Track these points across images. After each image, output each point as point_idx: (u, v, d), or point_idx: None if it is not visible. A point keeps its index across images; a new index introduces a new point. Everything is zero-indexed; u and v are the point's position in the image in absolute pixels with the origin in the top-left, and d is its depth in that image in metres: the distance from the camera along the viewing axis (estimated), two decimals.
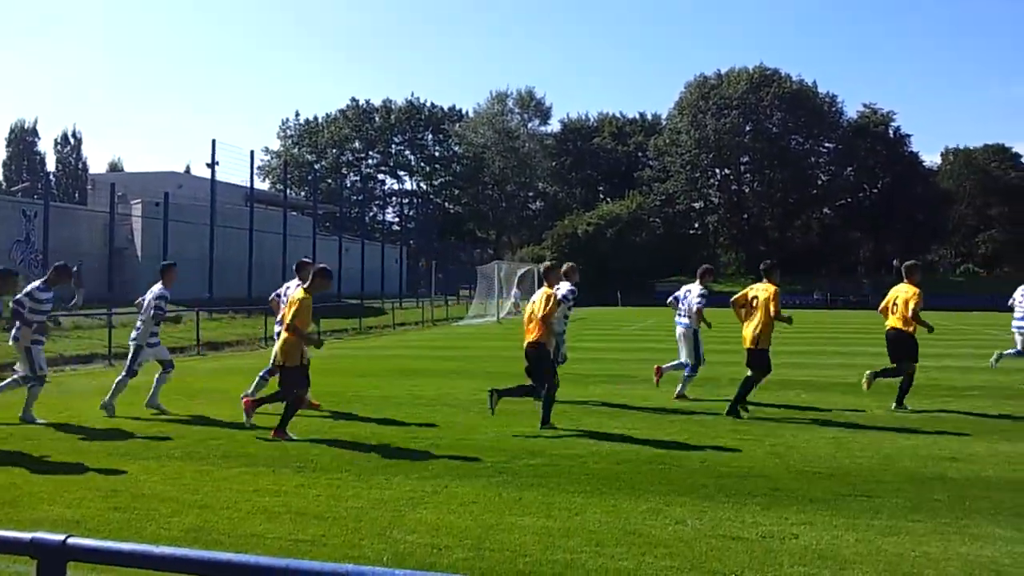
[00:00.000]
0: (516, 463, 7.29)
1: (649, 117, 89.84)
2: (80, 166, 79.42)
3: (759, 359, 10.04)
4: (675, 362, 11.89)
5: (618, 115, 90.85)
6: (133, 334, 10.34)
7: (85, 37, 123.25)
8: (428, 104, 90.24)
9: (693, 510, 5.83)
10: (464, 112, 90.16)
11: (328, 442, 8.29)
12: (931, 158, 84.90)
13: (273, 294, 11.07)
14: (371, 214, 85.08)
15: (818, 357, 18.09)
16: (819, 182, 79.53)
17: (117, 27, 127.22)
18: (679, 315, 11.76)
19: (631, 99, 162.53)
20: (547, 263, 10.32)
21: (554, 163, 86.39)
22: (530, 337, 9.06)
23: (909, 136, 79.42)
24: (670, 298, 12.15)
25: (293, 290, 9.59)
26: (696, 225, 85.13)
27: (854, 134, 77.58)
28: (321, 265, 9.23)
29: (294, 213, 40.64)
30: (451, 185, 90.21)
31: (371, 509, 5.82)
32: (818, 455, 7.71)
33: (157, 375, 10.29)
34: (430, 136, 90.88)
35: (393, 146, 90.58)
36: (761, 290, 10.10)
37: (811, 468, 7.15)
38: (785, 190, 77.44)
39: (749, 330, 10.06)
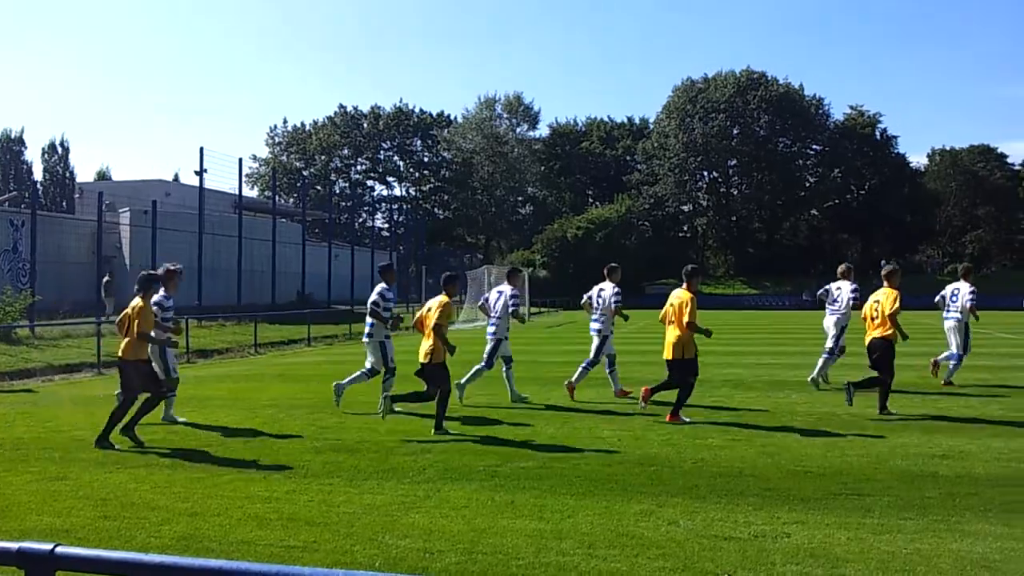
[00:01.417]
0: (508, 466, 7.28)
1: (637, 121, 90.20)
2: (67, 175, 78.81)
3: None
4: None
5: (606, 119, 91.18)
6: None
7: (72, 45, 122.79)
8: (417, 110, 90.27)
9: (685, 511, 5.83)
10: (453, 118, 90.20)
11: (319, 447, 8.26)
12: (918, 159, 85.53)
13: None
14: (360, 220, 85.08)
15: (810, 358, 18.08)
16: (807, 184, 79.91)
17: (104, 34, 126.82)
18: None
19: (619, 104, 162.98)
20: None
21: (543, 168, 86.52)
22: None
23: (896, 138, 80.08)
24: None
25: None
26: (685, 228, 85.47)
27: (841, 136, 78.05)
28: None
29: (283, 220, 40.58)
30: (440, 191, 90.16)
31: (363, 514, 5.80)
32: (809, 455, 7.72)
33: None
34: (419, 142, 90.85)
35: (382, 152, 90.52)
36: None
37: (802, 467, 7.16)
38: (773, 192, 77.76)
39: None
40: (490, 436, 8.76)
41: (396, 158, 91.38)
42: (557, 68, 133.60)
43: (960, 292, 13.22)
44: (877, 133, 79.11)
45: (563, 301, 60.74)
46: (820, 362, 12.66)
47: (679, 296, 9.72)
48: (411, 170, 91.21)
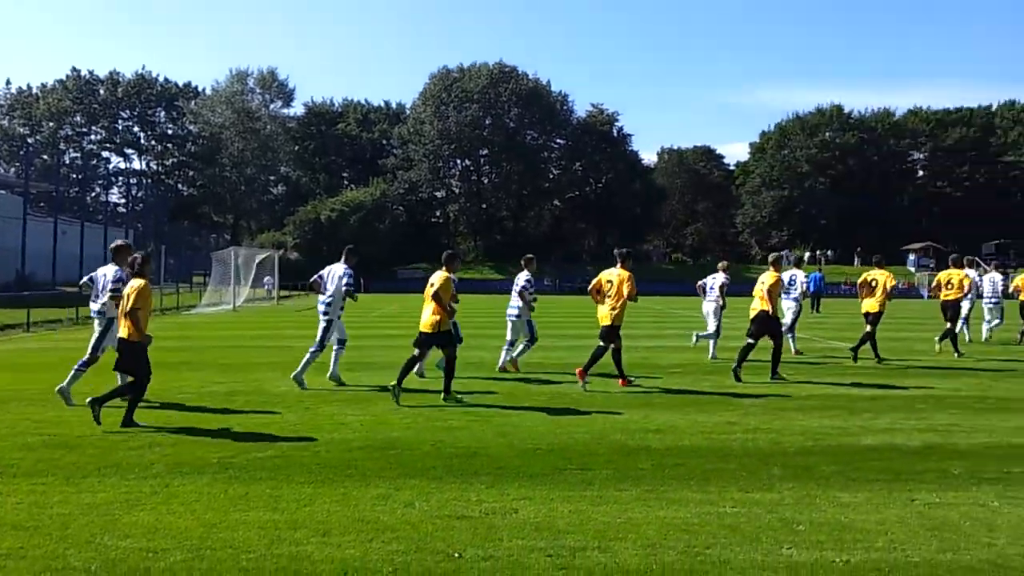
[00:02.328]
0: (243, 457, 7.06)
1: (394, 106, 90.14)
2: None
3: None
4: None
5: (364, 102, 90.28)
6: None
7: None
8: (161, 79, 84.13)
9: (421, 492, 5.99)
10: (201, 89, 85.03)
11: (33, 443, 7.53)
12: (649, 156, 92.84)
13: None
14: (93, 194, 78.16)
15: (549, 339, 19.09)
16: (551, 176, 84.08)
17: None
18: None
19: (377, 87, 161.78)
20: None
21: (297, 147, 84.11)
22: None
23: (630, 136, 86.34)
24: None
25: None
26: (438, 214, 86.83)
27: (583, 132, 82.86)
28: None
29: (2, 192, 36.23)
30: (185, 166, 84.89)
31: (80, 515, 5.39)
32: (540, 433, 8.20)
33: None
34: (163, 113, 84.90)
35: (120, 122, 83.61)
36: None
37: (533, 445, 7.60)
38: (520, 182, 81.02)
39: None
40: (226, 427, 8.43)
41: (137, 129, 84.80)
42: (313, 47, 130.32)
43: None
44: (614, 131, 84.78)
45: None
46: (711, 345, 15.35)
47: (617, 274, 11.31)
48: (153, 143, 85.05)
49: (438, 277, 10.39)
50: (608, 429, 8.43)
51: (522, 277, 13.16)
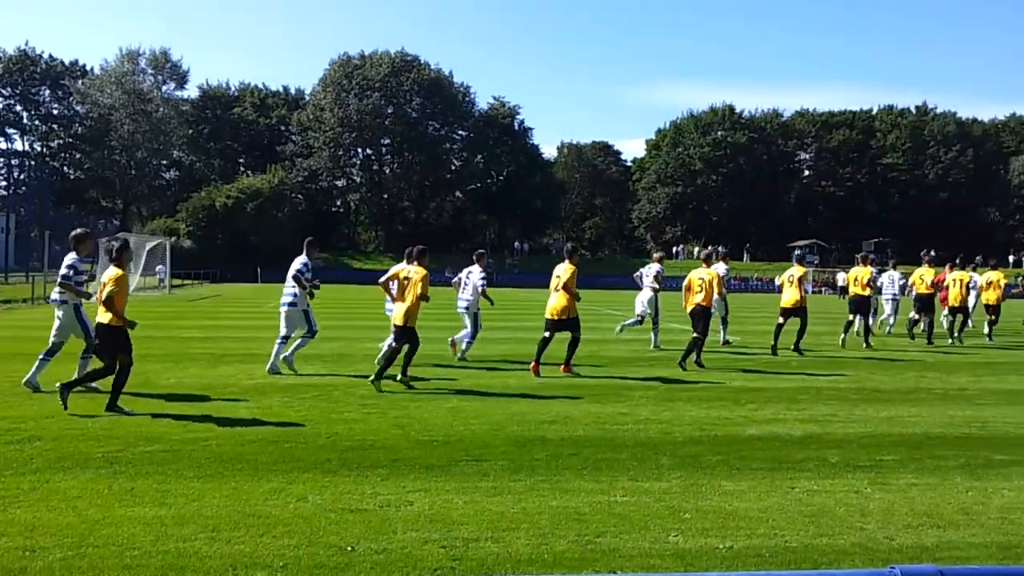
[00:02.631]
0: (131, 451, 6.84)
1: (293, 91, 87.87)
2: None
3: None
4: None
5: (261, 86, 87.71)
6: None
7: None
8: (46, 56, 79.66)
9: (315, 486, 5.93)
10: (89, 68, 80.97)
11: None
12: (549, 151, 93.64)
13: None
14: None
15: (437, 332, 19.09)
16: (453, 167, 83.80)
17: None
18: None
19: (274, 72, 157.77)
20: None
21: (191, 131, 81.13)
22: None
23: (531, 129, 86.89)
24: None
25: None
26: (339, 203, 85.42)
27: (484, 124, 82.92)
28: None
29: None
30: (72, 148, 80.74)
31: None
32: (437, 424, 8.23)
33: None
34: (47, 92, 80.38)
35: (0, 100, 78.71)
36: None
37: (430, 437, 7.63)
38: (422, 173, 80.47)
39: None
40: (114, 421, 8.13)
41: (18, 107, 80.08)
42: (208, 27, 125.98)
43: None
44: (515, 124, 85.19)
45: (211, 273, 57.67)
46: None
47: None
48: (37, 123, 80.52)
49: (416, 274, 10.78)
50: (505, 420, 8.53)
51: (476, 271, 13.86)
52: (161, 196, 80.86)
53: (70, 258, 10.01)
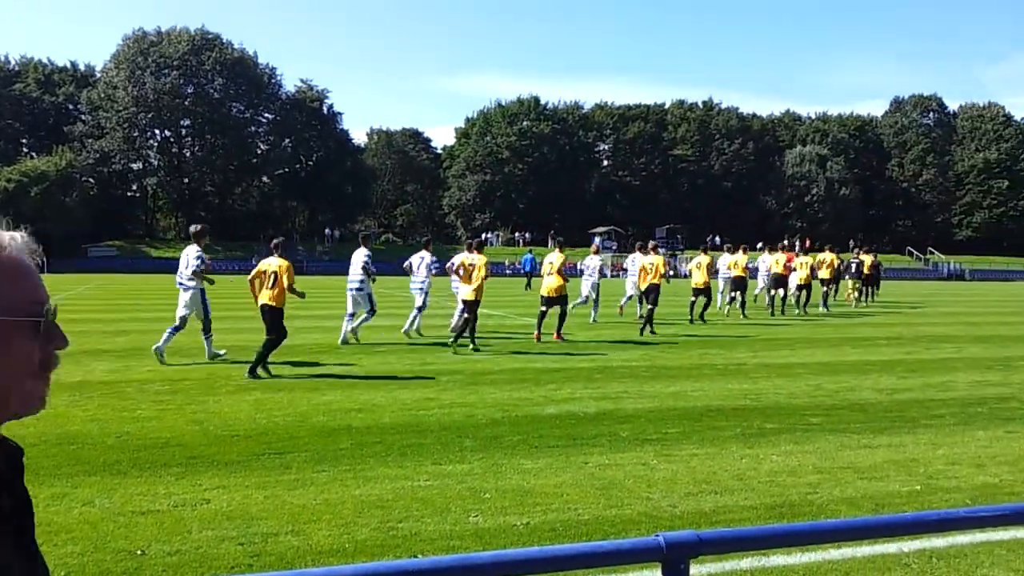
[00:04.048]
0: None
1: (82, 68, 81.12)
2: None
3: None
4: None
5: (46, 61, 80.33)
6: None
7: None
8: None
9: (103, 489, 5.64)
10: None
11: None
12: (359, 136, 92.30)
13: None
14: None
15: (237, 322, 18.49)
16: (259, 151, 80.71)
17: None
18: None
19: (60, 46, 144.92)
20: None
21: None
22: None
23: (341, 114, 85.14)
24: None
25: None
26: (135, 187, 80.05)
27: (292, 107, 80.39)
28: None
29: None
30: None
31: None
32: (238, 418, 8.02)
33: None
34: None
35: None
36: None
37: (230, 432, 7.42)
38: (226, 157, 76.92)
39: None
40: None
41: None
42: None
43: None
44: (324, 108, 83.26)
45: None
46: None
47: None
48: None
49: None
50: (311, 411, 8.43)
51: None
52: None
53: (196, 250, 12.17)
